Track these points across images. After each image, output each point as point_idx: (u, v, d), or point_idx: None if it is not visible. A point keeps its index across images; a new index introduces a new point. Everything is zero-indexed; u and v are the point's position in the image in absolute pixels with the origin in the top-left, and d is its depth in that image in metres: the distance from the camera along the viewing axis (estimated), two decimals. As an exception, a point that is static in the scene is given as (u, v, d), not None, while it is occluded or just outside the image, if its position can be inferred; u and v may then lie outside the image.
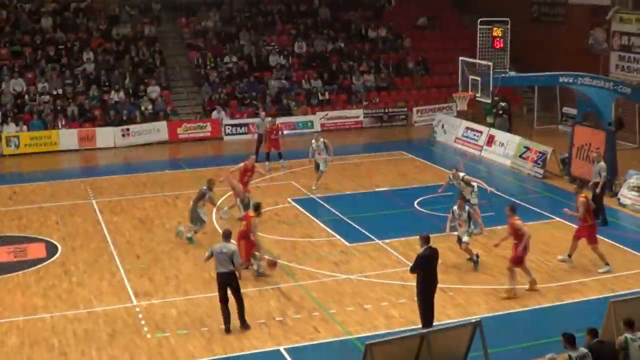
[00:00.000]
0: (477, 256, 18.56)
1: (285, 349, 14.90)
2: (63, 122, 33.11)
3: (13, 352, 15.01)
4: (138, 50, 37.36)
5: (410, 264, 15.53)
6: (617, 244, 19.86)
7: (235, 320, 15.56)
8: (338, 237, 21.06)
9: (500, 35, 25.41)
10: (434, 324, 14.89)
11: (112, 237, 21.32)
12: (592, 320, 13.08)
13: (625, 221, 22.50)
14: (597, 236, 18.72)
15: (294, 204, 24.02)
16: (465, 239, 18.40)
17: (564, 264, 18.80)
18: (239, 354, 14.77)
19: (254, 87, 36.70)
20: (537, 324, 15.85)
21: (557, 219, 22.20)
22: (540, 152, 27.72)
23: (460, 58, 26.48)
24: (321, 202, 24.33)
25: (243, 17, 40.51)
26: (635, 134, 31.28)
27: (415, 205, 23.69)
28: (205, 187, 20.53)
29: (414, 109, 36.82)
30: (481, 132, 31.37)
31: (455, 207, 18.54)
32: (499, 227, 19.99)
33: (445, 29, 42.33)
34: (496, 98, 30.99)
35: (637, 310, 12.58)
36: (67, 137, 32.45)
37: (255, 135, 29.96)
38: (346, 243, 20.59)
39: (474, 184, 20.88)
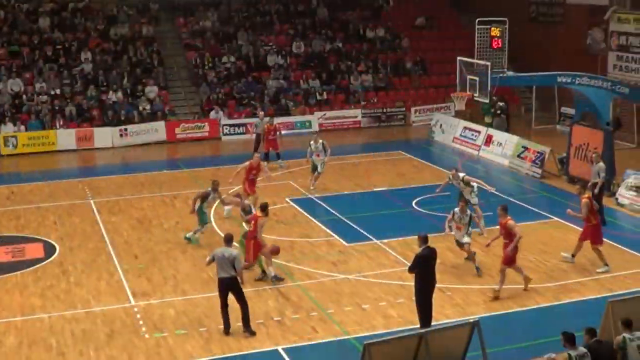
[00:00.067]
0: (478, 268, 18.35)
1: (283, 349, 14.89)
2: (61, 122, 33.09)
3: (11, 352, 14.99)
4: (136, 50, 37.35)
5: (409, 264, 15.53)
6: (615, 244, 19.85)
7: (235, 325, 15.49)
8: (336, 237, 21.06)
9: (498, 35, 25.44)
10: (432, 323, 14.89)
11: (110, 237, 21.30)
12: (590, 320, 13.07)
13: (624, 221, 22.51)
14: (602, 238, 18.62)
15: (292, 203, 24.02)
16: (466, 240, 18.23)
17: (562, 264, 18.80)
18: (237, 354, 14.76)
19: (252, 87, 36.70)
20: (535, 323, 15.85)
21: (555, 218, 22.22)
22: (538, 152, 27.73)
23: (458, 58, 26.51)
24: (319, 202, 24.33)
25: (241, 17, 40.50)
26: (633, 134, 31.30)
27: (414, 205, 23.69)
28: (209, 189, 20.44)
29: (412, 109, 36.84)
30: (479, 132, 31.39)
31: (456, 209, 18.26)
32: (497, 227, 19.95)
33: (443, 29, 42.35)
34: (494, 98, 30.99)
35: (635, 310, 12.59)
36: (65, 137, 32.44)
37: (254, 135, 29.95)
38: (344, 243, 20.59)
39: (474, 184, 20.86)
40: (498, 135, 30.53)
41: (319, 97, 36.93)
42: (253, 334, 15.29)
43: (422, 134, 34.49)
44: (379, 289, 17.57)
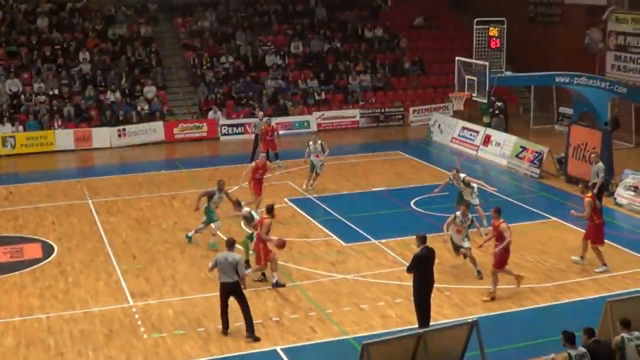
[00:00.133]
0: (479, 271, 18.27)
1: (282, 349, 14.88)
2: (59, 123, 33.08)
3: (9, 352, 14.98)
4: (134, 50, 37.33)
5: (407, 264, 15.53)
6: (613, 244, 19.83)
7: (233, 325, 15.47)
8: (334, 237, 21.06)
9: (496, 35, 25.46)
10: (431, 323, 14.89)
11: (108, 238, 21.29)
12: (588, 320, 13.07)
13: (622, 221, 22.51)
14: (603, 238, 18.60)
15: (290, 204, 24.02)
16: (466, 244, 18.06)
17: (560, 264, 18.81)
18: (235, 354, 14.76)
19: (251, 87, 36.70)
20: (533, 323, 15.85)
21: (554, 218, 22.23)
22: (536, 152, 27.73)
23: (457, 58, 26.53)
24: (317, 202, 24.33)
25: (239, 17, 40.48)
26: (632, 134, 31.31)
27: (412, 205, 23.69)
28: (215, 188, 20.36)
29: (411, 109, 36.85)
30: (477, 132, 31.39)
31: (458, 213, 18.00)
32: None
33: (442, 29, 42.35)
34: (492, 98, 31.08)
35: (633, 310, 12.59)
36: (63, 138, 32.41)
37: (253, 136, 29.92)
38: (342, 243, 20.58)
39: (474, 185, 20.80)
40: (496, 135, 30.54)
41: (317, 97, 36.93)
42: (257, 339, 15.17)
43: (420, 134, 34.49)
44: (378, 289, 17.57)
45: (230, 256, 15.08)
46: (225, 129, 34.42)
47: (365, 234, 21.09)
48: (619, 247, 19.90)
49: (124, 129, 33.14)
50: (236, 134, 34.27)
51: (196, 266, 19.00)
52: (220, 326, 15.46)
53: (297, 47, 39.15)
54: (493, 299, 16.73)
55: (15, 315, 16.55)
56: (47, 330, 15.83)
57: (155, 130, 33.61)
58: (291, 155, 28.63)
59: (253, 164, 22.95)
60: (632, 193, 23.49)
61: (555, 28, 37.17)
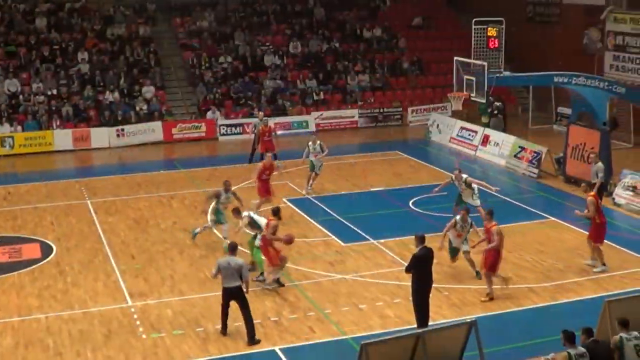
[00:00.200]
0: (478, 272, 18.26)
1: (280, 349, 14.89)
2: (58, 123, 33.07)
3: (8, 352, 14.97)
4: (133, 50, 37.33)
5: (406, 264, 15.53)
6: (612, 244, 19.83)
7: (232, 325, 15.47)
8: (333, 237, 21.06)
9: (495, 35, 25.46)
10: (430, 323, 14.89)
11: (107, 238, 21.28)
12: (587, 319, 13.08)
13: (620, 221, 22.52)
14: (604, 238, 18.58)
15: (289, 204, 24.00)
16: (465, 248, 17.99)
17: (559, 264, 18.82)
18: (234, 354, 14.76)
19: (249, 87, 36.70)
20: (532, 323, 15.86)
21: (552, 218, 22.25)
22: (535, 152, 27.74)
23: (455, 58, 26.52)
24: (316, 202, 24.33)
25: (238, 17, 40.49)
26: (630, 134, 31.32)
27: (410, 205, 23.70)
28: (221, 189, 20.32)
29: (409, 109, 36.86)
30: (476, 132, 31.40)
31: (458, 217, 17.81)
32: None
33: (440, 29, 42.36)
34: (491, 98, 31.10)
35: (632, 310, 12.61)
36: (62, 138, 32.41)
37: (252, 136, 29.88)
38: (341, 243, 20.59)
39: (475, 186, 20.73)
40: (495, 135, 30.55)
41: (315, 97, 36.94)
42: (258, 342, 15.12)
43: (419, 134, 34.50)
44: (376, 289, 17.57)
45: (233, 261, 15.01)
46: (223, 129, 34.42)
47: (364, 234, 21.10)
48: (618, 247, 19.90)
49: (123, 129, 33.13)
50: (235, 134, 34.27)
51: (195, 266, 19.00)
52: (219, 326, 15.47)
53: (296, 47, 39.16)
54: (492, 299, 16.75)
55: (14, 316, 16.55)
56: (46, 331, 15.83)
57: (153, 130, 33.61)
58: (290, 156, 28.57)
59: (260, 164, 22.90)
60: (631, 193, 23.51)
61: (554, 28, 37.19)
